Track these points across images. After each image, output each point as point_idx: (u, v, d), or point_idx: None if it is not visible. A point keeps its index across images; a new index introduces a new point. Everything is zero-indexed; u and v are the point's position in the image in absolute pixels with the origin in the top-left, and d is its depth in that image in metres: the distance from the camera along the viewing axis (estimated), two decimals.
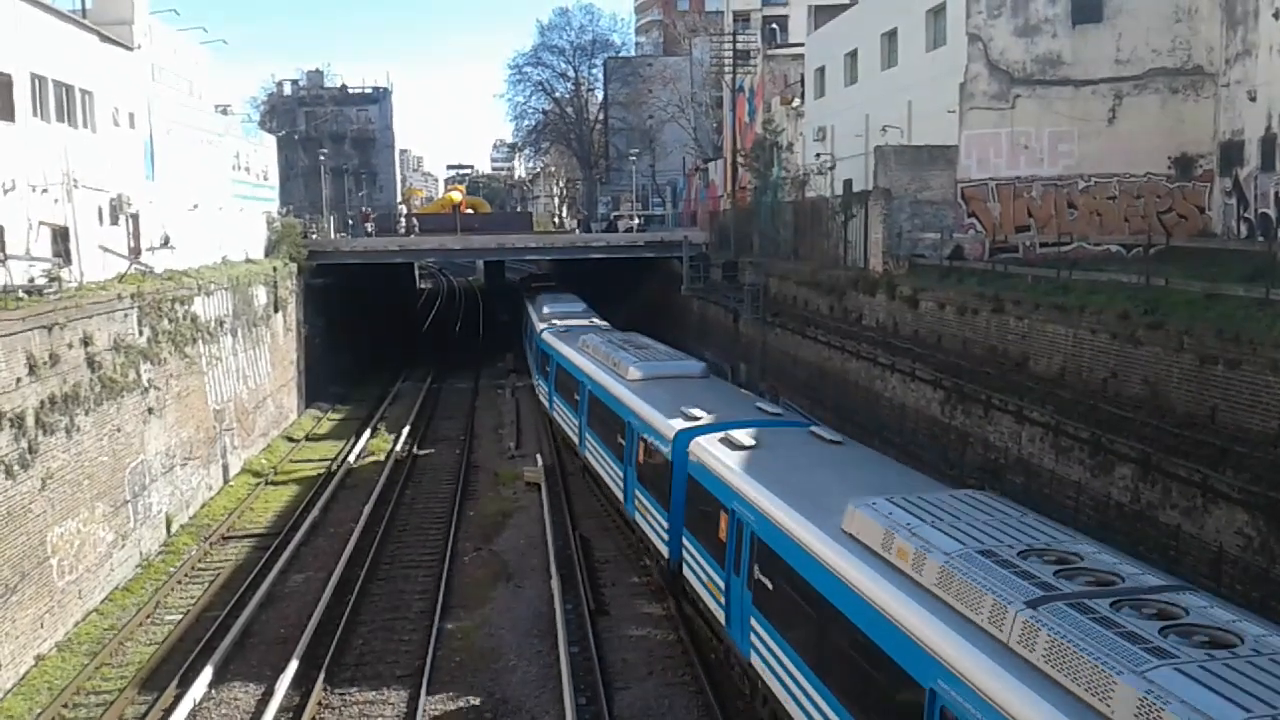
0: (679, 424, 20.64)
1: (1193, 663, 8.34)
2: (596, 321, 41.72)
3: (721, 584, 17.13)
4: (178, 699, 17.71)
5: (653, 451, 21.82)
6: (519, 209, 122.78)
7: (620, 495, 24.88)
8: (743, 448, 17.86)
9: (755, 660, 15.58)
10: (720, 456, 17.84)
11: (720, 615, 17.29)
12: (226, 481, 32.48)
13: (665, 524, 20.71)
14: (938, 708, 10.02)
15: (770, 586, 14.85)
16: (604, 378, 27.70)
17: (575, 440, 31.16)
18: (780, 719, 14.63)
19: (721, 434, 18.85)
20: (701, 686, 17.95)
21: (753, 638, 15.61)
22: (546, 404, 37.31)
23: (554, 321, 40.92)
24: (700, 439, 19.20)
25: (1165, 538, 16.75)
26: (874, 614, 11.46)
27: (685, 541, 19.46)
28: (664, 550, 20.90)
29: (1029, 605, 9.69)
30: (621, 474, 24.64)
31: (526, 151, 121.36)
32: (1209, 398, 16.30)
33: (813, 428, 19.82)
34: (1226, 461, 15.62)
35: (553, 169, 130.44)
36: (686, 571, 19.54)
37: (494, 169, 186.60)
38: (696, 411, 20.97)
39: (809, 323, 33.74)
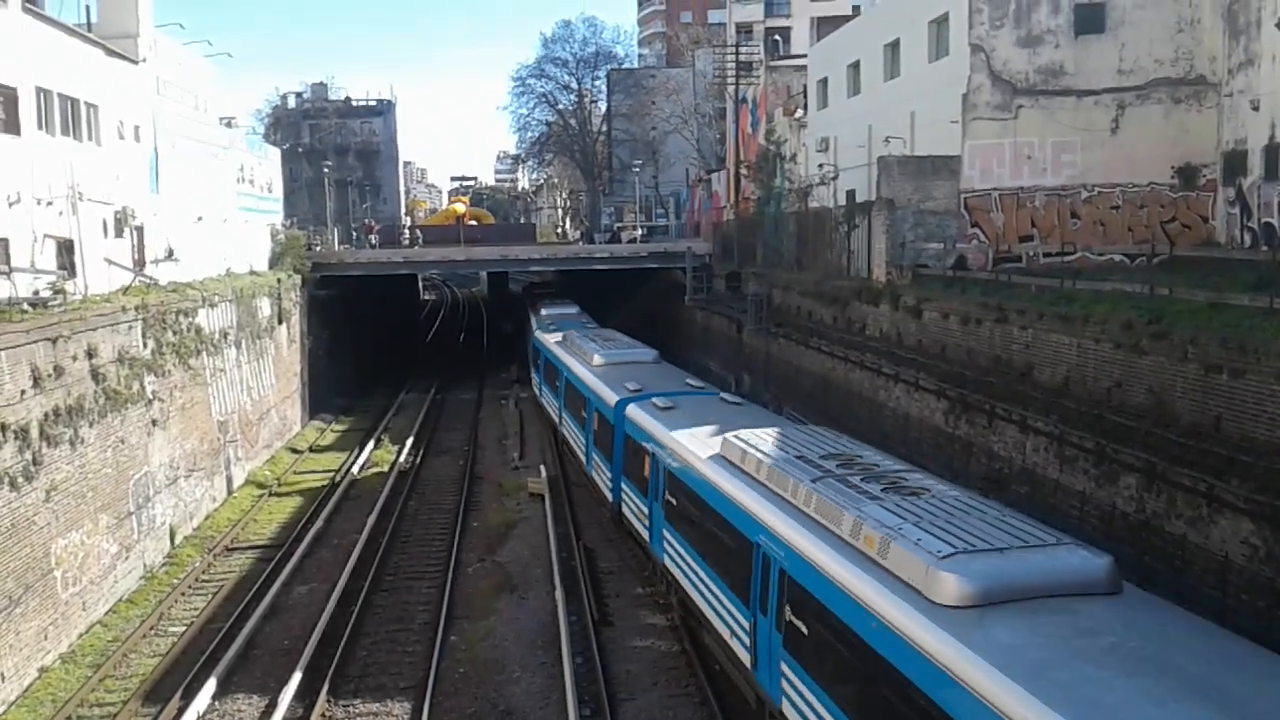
0: (620, 394, 25.72)
1: (890, 503, 13.46)
2: (584, 321, 45.69)
3: (646, 510, 22.34)
4: (181, 711, 17.70)
5: (603, 419, 26.99)
6: (522, 220, 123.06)
7: (583, 459, 30.18)
8: (664, 409, 22.86)
9: (666, 561, 20.77)
10: (647, 416, 22.85)
11: (645, 535, 22.65)
12: (230, 493, 32.49)
13: (609, 475, 25.94)
14: (760, 554, 15.15)
15: (675, 502, 20.01)
16: (575, 365, 32.53)
17: (556, 420, 36.19)
18: (682, 599, 19.96)
19: (650, 400, 23.89)
20: (706, 697, 17.91)
21: (664, 544, 20.82)
22: (537, 392, 42.80)
23: (547, 322, 45.19)
24: (633, 405, 24.35)
25: (1171, 547, 16.70)
26: (729, 504, 16.65)
27: (623, 485, 24.76)
28: (609, 496, 26.07)
29: (812, 481, 14.86)
30: (584, 441, 29.87)
31: (530, 163, 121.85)
32: (1214, 407, 16.27)
33: (721, 394, 25.55)
34: (1232, 471, 15.58)
35: (556, 180, 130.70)
36: (624, 509, 24.83)
37: (497, 180, 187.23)
38: (636, 385, 26.15)
39: (813, 333, 33.73)
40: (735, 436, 18.00)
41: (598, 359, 31.11)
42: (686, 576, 19.19)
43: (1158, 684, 9.12)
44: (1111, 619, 10.51)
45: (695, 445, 19.21)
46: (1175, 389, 17.17)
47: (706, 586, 17.94)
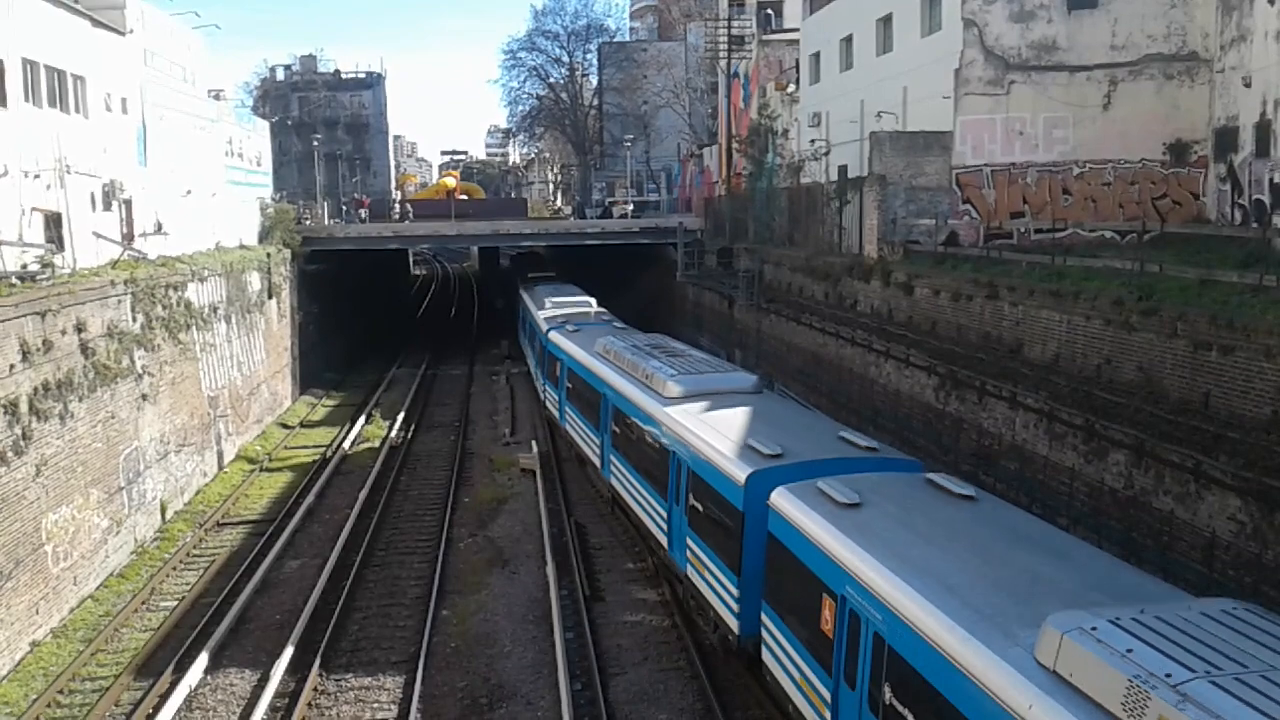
0: (550, 325, 36.18)
1: (666, 360, 24.10)
2: (556, 282, 53.61)
3: (557, 398, 33.00)
4: (174, 685, 17.75)
5: (541, 345, 37.31)
6: (513, 195, 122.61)
7: (533, 374, 41.30)
8: (573, 332, 33.47)
9: (566, 425, 31.77)
10: (561, 336, 33.55)
11: (556, 414, 33.43)
12: (221, 468, 32.48)
13: (541, 381, 37.23)
14: (606, 401, 25.55)
15: (571, 386, 30.66)
16: (534, 310, 42.16)
17: (525, 353, 46.77)
18: (578, 453, 30.21)
19: (565, 327, 34.76)
20: (696, 672, 18.02)
21: (564, 415, 31.70)
22: (520, 340, 51.18)
23: (529, 283, 52.75)
24: (554, 330, 35.07)
25: (1158, 523, 16.83)
26: (592, 375, 27.43)
27: (545, 385, 36.05)
28: (540, 395, 37.91)
29: (631, 355, 25.22)
30: (533, 362, 40.91)
31: (521, 137, 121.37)
32: (1202, 384, 16.35)
33: (614, 323, 36.87)
34: (1219, 447, 15.69)
35: (547, 155, 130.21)
36: (545, 401, 36.27)
37: (488, 155, 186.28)
38: (564, 319, 36.64)
39: (804, 309, 33.75)
40: (604, 339, 29.05)
41: (550, 309, 40.29)
42: (575, 432, 29.91)
43: (761, 422, 18.85)
44: (748, 401, 20.79)
45: (582, 348, 29.82)
46: (1164, 366, 17.25)
47: (585, 433, 28.33)
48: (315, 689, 17.88)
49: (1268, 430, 14.88)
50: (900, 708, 10.92)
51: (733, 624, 16.49)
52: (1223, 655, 8.32)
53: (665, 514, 20.05)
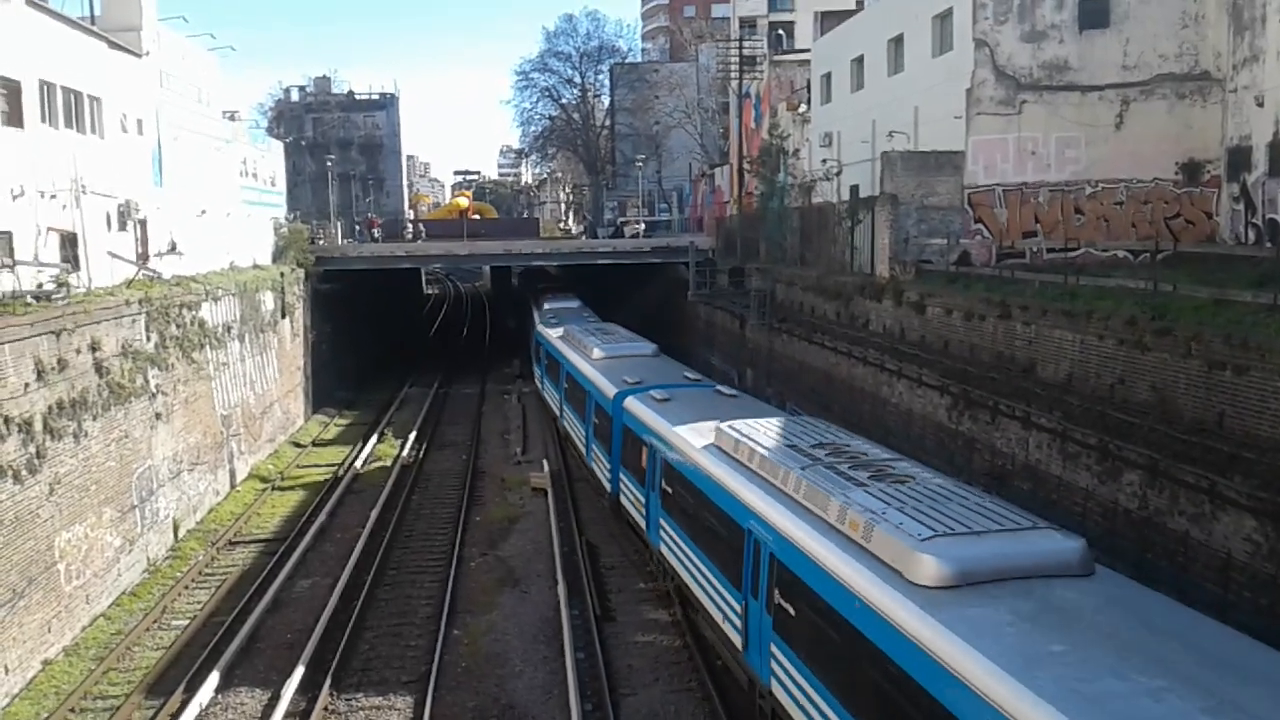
0: (541, 323, 45.01)
1: (603, 339, 35.12)
2: (561, 293, 60.00)
3: (540, 375, 42.42)
4: (184, 704, 17.75)
5: (537, 342, 45.22)
6: (526, 215, 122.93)
7: (533, 364, 47.65)
8: (551, 325, 41.70)
9: (547, 397, 40.49)
10: (545, 328, 41.82)
11: (540, 387, 42.67)
12: (233, 487, 32.54)
13: (534, 366, 46.18)
14: (564, 371, 34.75)
15: (547, 363, 39.55)
16: (534, 313, 51.58)
17: (532, 356, 52.40)
18: (552, 416, 39.09)
19: (551, 322, 42.95)
20: (708, 693, 17.93)
21: (543, 385, 41.10)
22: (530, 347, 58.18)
23: (538, 294, 59.85)
24: (541, 325, 43.92)
25: (1173, 544, 16.70)
26: (559, 352, 36.42)
27: (535, 368, 45.54)
28: (534, 376, 46.56)
29: (581, 334, 36.18)
30: (533, 355, 47.67)
31: (533, 157, 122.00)
32: (1217, 404, 16.25)
33: (589, 317, 45.96)
34: (1234, 468, 15.57)
35: (559, 175, 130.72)
36: (534, 376, 45.96)
37: (501, 175, 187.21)
38: (555, 320, 43.68)
39: (815, 328, 33.71)
40: (569, 326, 38.82)
41: (545, 307, 50.47)
42: (546, 394, 40.30)
43: (639, 369, 29.30)
44: (642, 359, 31.71)
45: (554, 333, 39.22)
46: (1178, 386, 17.15)
47: (551, 393, 38.29)
48: (326, 709, 17.85)
49: None
50: (664, 484, 20.81)
51: (608, 487, 26.46)
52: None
53: (584, 433, 30.07)
